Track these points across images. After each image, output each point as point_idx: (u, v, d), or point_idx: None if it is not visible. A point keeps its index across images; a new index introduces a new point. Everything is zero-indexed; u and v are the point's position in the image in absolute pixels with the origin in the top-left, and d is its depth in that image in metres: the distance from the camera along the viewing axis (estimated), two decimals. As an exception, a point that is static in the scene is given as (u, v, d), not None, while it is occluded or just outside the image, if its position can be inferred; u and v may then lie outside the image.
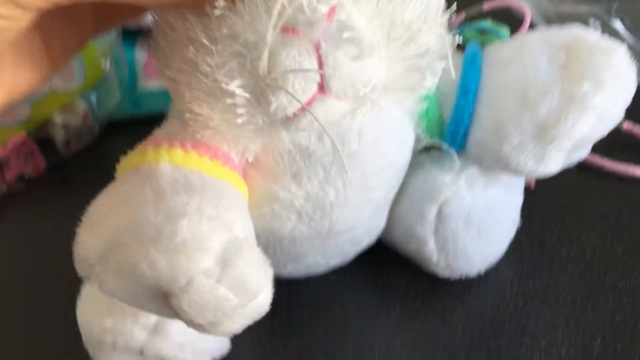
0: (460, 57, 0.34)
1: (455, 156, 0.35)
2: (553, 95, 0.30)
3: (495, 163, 0.34)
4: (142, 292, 0.25)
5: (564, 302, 0.38)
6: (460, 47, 0.52)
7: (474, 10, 0.55)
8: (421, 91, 0.30)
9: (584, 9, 0.50)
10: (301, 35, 0.23)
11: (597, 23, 0.51)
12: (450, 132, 0.34)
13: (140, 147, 0.30)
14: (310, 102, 0.25)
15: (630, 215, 0.43)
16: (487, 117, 0.32)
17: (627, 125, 0.46)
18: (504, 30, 0.52)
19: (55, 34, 0.25)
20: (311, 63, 0.23)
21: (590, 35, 0.31)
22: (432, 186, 0.36)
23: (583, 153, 0.34)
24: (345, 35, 0.23)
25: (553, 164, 0.32)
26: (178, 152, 0.28)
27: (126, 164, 0.29)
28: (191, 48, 0.25)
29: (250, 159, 0.30)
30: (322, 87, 0.25)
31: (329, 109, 0.26)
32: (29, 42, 0.24)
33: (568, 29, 0.32)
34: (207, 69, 0.25)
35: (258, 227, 0.31)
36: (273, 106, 0.25)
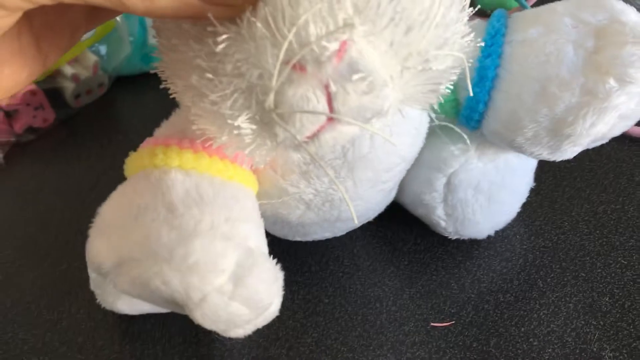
0: (483, 27, 0.32)
1: (466, 138, 0.34)
2: (574, 90, 0.27)
3: (509, 149, 0.33)
4: (156, 298, 0.25)
5: (574, 259, 0.38)
6: (481, 13, 0.51)
7: None
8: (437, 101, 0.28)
9: None
10: (310, 73, 0.22)
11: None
12: (464, 117, 0.32)
13: (149, 146, 0.29)
14: (318, 132, 0.24)
15: (643, 176, 0.43)
16: (503, 107, 0.30)
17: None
18: None
19: (45, 29, 0.24)
20: (319, 101, 0.22)
21: (628, 15, 0.28)
22: (441, 156, 0.35)
23: (604, 142, 0.31)
24: (356, 74, 0.22)
25: (569, 154, 0.30)
26: (189, 155, 0.28)
27: (135, 164, 0.29)
28: (194, 77, 0.24)
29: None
30: (332, 120, 0.23)
31: (339, 135, 0.24)
32: (18, 38, 0.23)
33: (607, 4, 0.28)
34: (212, 99, 0.23)
35: (267, 211, 0.32)
36: (280, 138, 0.23)
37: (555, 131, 0.28)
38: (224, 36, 0.21)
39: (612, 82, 0.26)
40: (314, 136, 0.24)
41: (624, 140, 0.45)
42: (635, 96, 0.27)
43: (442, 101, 0.29)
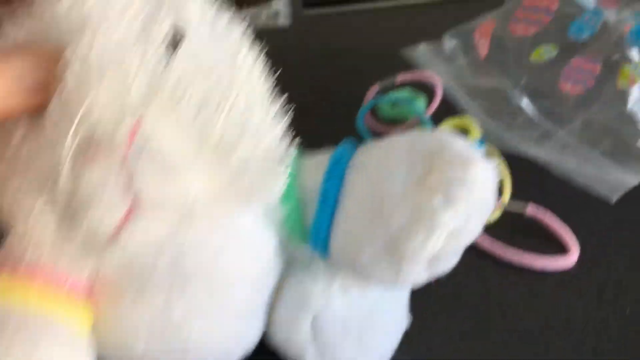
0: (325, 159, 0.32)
1: (321, 264, 0.33)
2: (405, 209, 0.28)
3: (358, 273, 0.32)
4: None
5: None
6: (382, 120, 0.54)
7: (387, 81, 0.57)
8: (262, 199, 0.29)
9: (494, 82, 0.54)
10: (104, 154, 0.21)
11: (514, 92, 0.55)
12: (312, 240, 0.32)
13: None
14: (124, 223, 0.23)
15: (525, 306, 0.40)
16: (345, 227, 0.30)
17: (531, 210, 0.44)
18: (420, 101, 0.54)
19: None
20: (116, 183, 0.21)
21: (456, 144, 0.29)
22: (304, 295, 0.33)
23: (452, 261, 0.31)
24: (150, 152, 0.21)
25: (413, 276, 0.29)
26: (3, 282, 0.26)
27: None
28: None
29: (91, 277, 0.28)
30: (135, 206, 0.23)
31: (149, 227, 0.23)
32: None
33: (437, 135, 0.30)
34: (13, 185, 0.22)
35: (109, 345, 0.30)
36: (83, 229, 0.22)
37: (392, 251, 0.28)
38: (22, 125, 0.21)
39: (437, 201, 0.27)
40: (119, 232, 0.22)
41: (510, 267, 0.42)
42: (463, 214, 0.27)
43: (283, 218, 0.30)
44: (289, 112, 0.30)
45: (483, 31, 0.57)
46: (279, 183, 0.28)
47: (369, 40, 0.71)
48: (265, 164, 0.26)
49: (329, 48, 0.71)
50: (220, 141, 0.23)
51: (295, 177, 0.31)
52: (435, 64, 0.59)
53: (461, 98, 0.55)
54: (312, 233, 0.32)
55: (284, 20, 1.28)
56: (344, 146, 0.33)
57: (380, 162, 0.30)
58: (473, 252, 0.42)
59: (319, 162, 0.32)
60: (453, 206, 0.27)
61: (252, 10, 1.23)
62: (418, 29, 0.68)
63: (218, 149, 0.24)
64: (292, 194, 0.32)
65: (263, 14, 1.26)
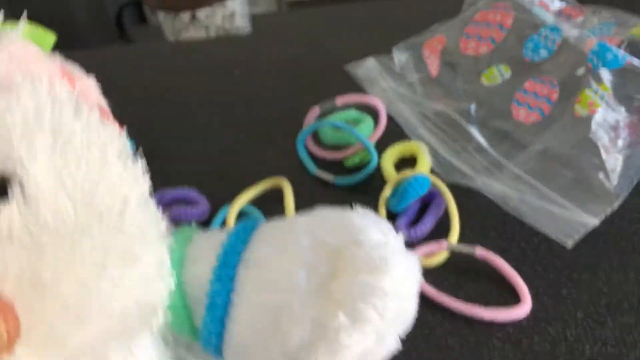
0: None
1: None
2: (305, 324, 0.23)
3: None
4: None
5: None
6: (323, 145, 0.49)
7: (328, 104, 0.52)
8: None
9: (444, 104, 0.49)
10: None
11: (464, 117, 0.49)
12: (204, 345, 0.27)
13: None
14: None
15: None
16: (238, 340, 0.26)
17: (480, 252, 0.39)
18: (366, 124, 0.49)
19: None
20: None
21: (368, 235, 0.24)
22: None
23: None
24: None
25: None
26: None
27: None
28: None
29: None
30: None
31: None
32: None
33: (347, 221, 0.25)
34: None
35: None
36: None
37: None
38: None
39: (342, 318, 0.23)
40: None
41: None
42: (371, 334, 0.23)
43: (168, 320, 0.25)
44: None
45: (432, 48, 0.52)
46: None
47: (308, 54, 0.65)
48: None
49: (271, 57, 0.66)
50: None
51: (180, 268, 0.27)
52: (384, 80, 0.54)
53: (410, 121, 0.50)
54: (202, 339, 0.27)
55: (240, 20, 1.23)
56: (237, 231, 0.27)
57: (277, 259, 0.25)
58: (419, 300, 0.37)
59: (209, 248, 0.27)
60: (360, 327, 0.22)
61: (207, 10, 1.18)
62: (365, 42, 0.63)
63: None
64: (177, 291, 0.26)
65: (218, 14, 1.21)
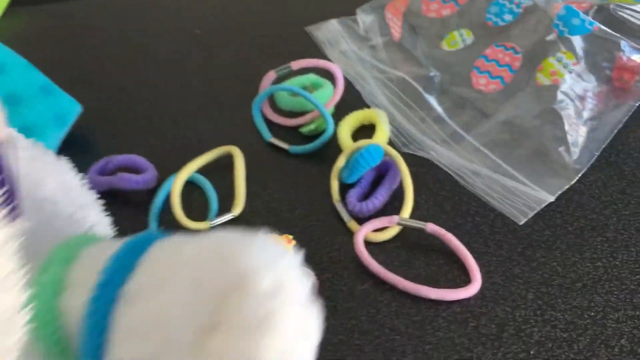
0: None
1: None
2: None
3: None
4: None
5: None
6: (280, 110, 0.47)
7: (283, 68, 0.48)
8: None
9: (405, 70, 0.46)
10: None
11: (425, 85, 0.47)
12: None
13: None
14: None
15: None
16: None
17: (431, 228, 0.37)
18: (325, 89, 0.46)
19: None
20: None
21: (258, 278, 0.20)
22: None
23: None
24: None
25: None
26: None
27: None
28: None
29: None
30: None
31: None
32: None
33: (239, 258, 0.20)
34: None
35: None
36: None
37: None
38: None
39: None
40: None
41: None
42: None
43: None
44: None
45: (395, 9, 0.49)
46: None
47: (268, 14, 0.62)
48: None
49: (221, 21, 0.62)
50: None
51: (53, 296, 0.23)
52: (346, 43, 0.52)
53: (370, 87, 0.47)
54: None
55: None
56: (123, 251, 0.24)
57: (156, 296, 0.21)
58: (367, 278, 0.37)
59: (90, 271, 0.23)
60: None
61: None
62: (329, 2, 0.60)
63: None
64: (49, 322, 0.23)
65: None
